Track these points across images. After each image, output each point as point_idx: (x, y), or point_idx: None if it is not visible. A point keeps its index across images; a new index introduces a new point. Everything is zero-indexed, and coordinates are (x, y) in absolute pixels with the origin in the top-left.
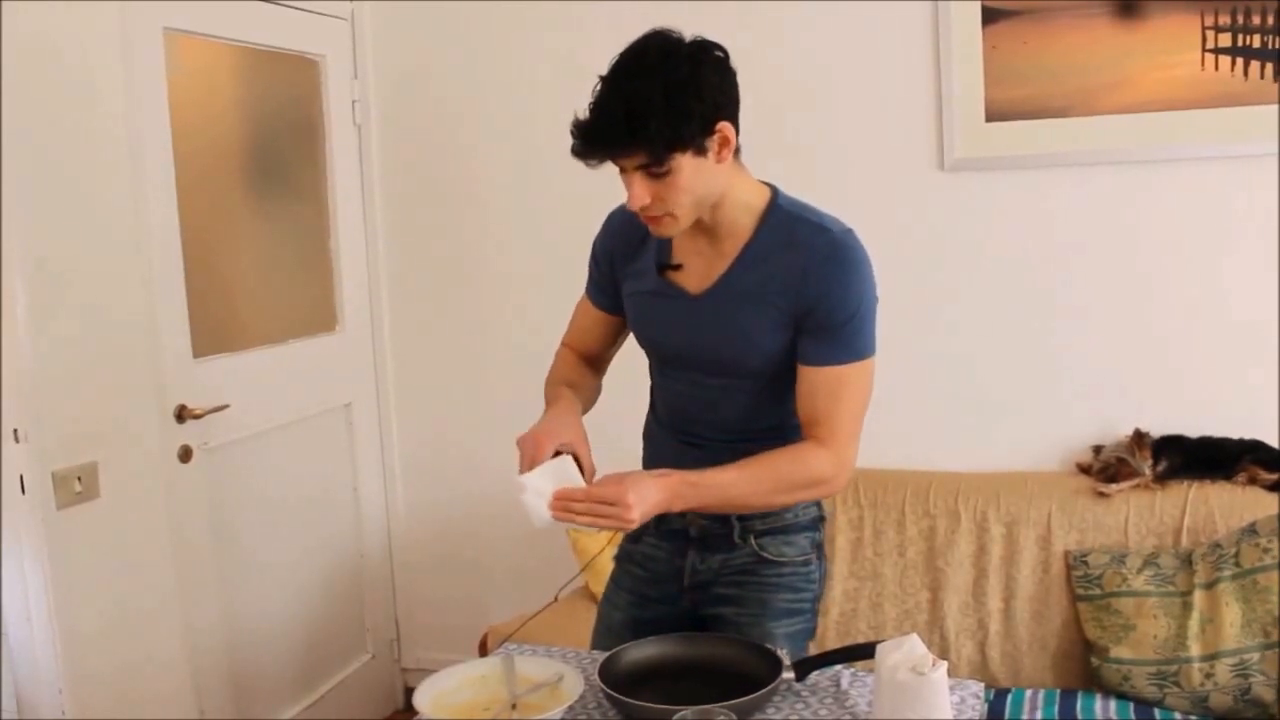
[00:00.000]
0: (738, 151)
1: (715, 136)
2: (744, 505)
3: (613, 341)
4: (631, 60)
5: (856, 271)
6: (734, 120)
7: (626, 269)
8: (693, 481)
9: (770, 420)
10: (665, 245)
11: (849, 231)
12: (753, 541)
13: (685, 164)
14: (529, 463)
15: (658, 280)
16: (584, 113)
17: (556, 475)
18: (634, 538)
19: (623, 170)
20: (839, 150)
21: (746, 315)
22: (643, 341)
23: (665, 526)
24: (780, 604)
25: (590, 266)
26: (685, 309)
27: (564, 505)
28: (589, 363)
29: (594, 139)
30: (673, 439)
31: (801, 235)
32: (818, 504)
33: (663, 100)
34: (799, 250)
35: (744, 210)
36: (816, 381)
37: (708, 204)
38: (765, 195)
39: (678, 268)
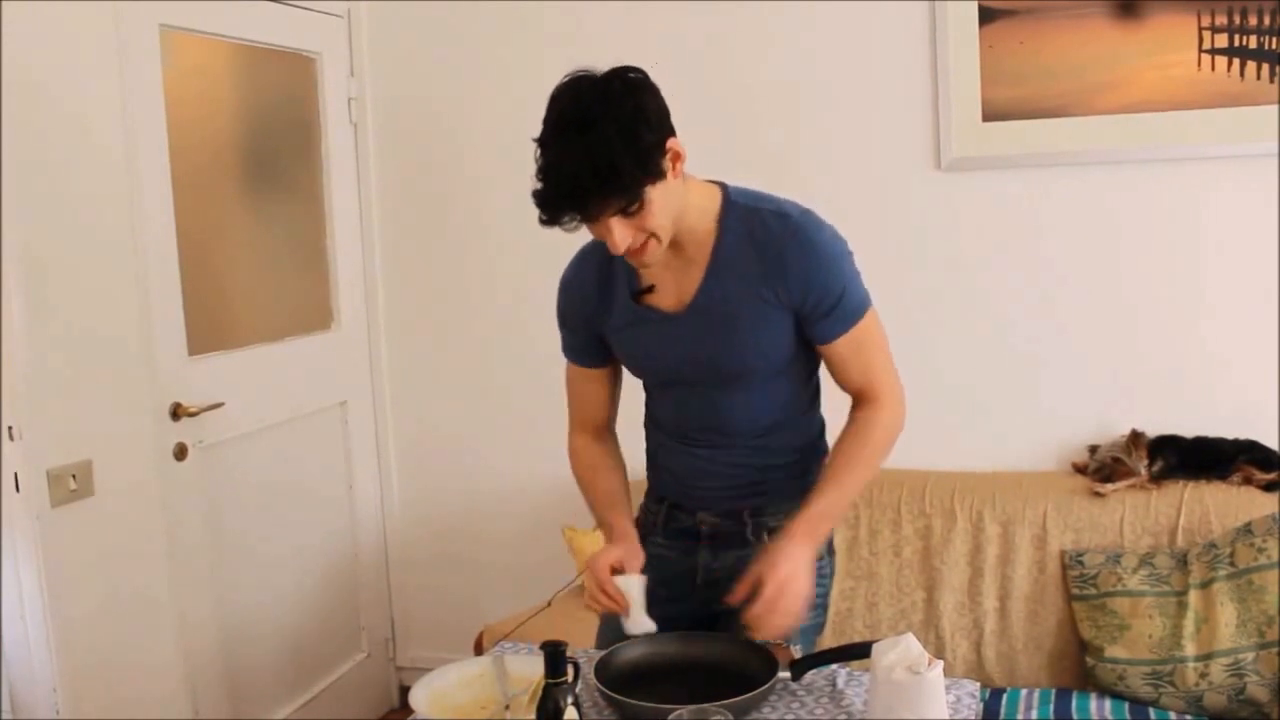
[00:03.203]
0: None
1: (668, 155)
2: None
3: (616, 389)
4: (573, 112)
5: (829, 248)
6: (674, 133)
7: (607, 317)
8: (820, 522)
9: (780, 413)
10: (633, 272)
11: (806, 211)
12: (766, 538)
13: (655, 193)
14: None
15: (635, 309)
16: (539, 181)
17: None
18: (641, 539)
19: (594, 220)
20: (836, 149)
21: (735, 319)
22: (637, 371)
23: (674, 526)
24: None
25: (564, 334)
26: (670, 329)
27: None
28: (603, 433)
29: (566, 202)
30: (683, 445)
31: (765, 224)
32: None
33: (621, 142)
34: (769, 241)
35: (702, 214)
36: (841, 353)
37: (676, 219)
38: (717, 194)
39: (650, 289)
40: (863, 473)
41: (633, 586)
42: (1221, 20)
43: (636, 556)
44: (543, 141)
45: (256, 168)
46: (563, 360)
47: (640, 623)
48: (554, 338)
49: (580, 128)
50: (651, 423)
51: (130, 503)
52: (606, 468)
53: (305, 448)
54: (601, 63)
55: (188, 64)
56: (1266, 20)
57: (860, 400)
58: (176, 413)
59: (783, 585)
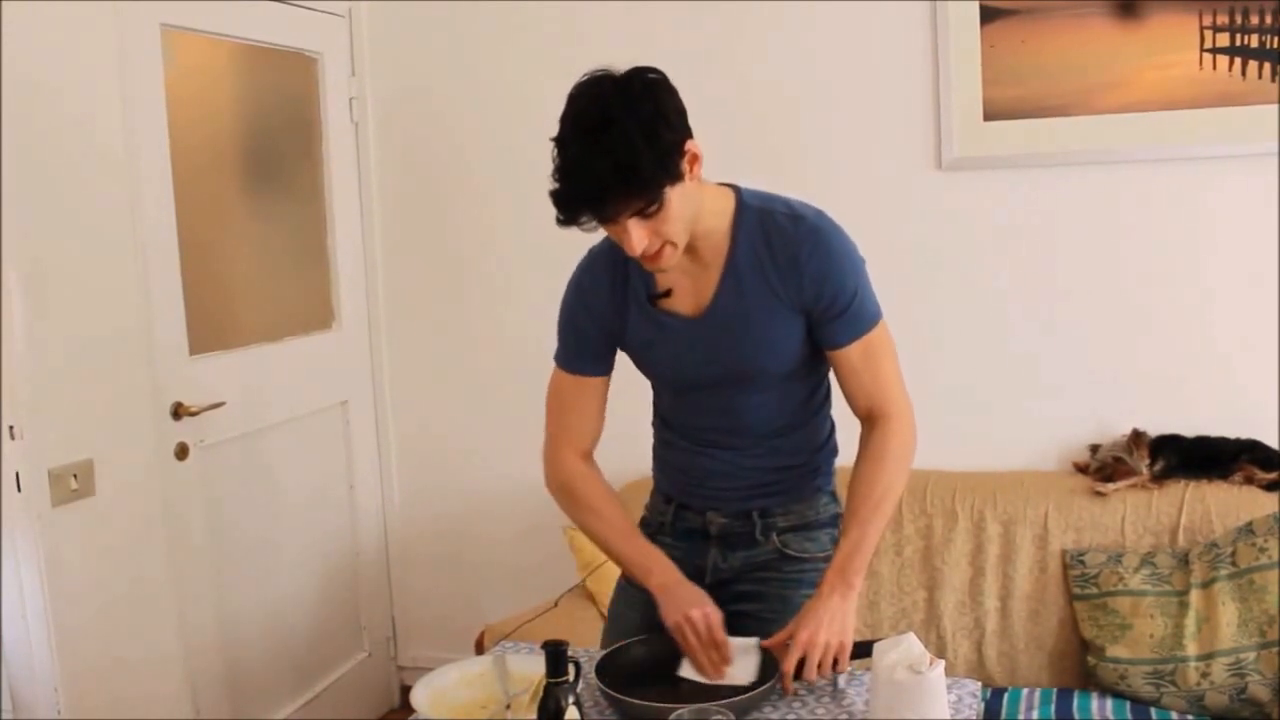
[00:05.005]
0: None
1: (686, 156)
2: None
3: (605, 406)
4: (594, 111)
5: (843, 251)
6: (692, 135)
7: (622, 320)
8: (850, 569)
9: (793, 415)
10: (649, 276)
11: (821, 213)
12: (775, 538)
13: (673, 195)
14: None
15: (652, 313)
16: (556, 181)
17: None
18: (649, 538)
19: (612, 221)
20: (837, 149)
21: (753, 321)
22: (652, 376)
23: (682, 526)
24: (802, 600)
25: (567, 338)
26: (688, 334)
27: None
28: (591, 459)
29: (585, 202)
30: (695, 446)
31: (779, 225)
32: (836, 501)
33: (642, 141)
34: (783, 243)
35: (717, 217)
36: (851, 359)
37: (692, 223)
38: (730, 197)
39: (668, 294)
40: (885, 505)
41: (749, 650)
42: (1223, 19)
43: (715, 605)
44: (561, 141)
45: (257, 168)
46: None
47: (733, 675)
48: (555, 336)
49: (601, 127)
50: (661, 422)
51: (131, 502)
52: (612, 499)
53: (306, 447)
54: (601, 63)
55: (188, 64)
56: (1268, 19)
57: (870, 420)
58: (177, 412)
59: (816, 646)
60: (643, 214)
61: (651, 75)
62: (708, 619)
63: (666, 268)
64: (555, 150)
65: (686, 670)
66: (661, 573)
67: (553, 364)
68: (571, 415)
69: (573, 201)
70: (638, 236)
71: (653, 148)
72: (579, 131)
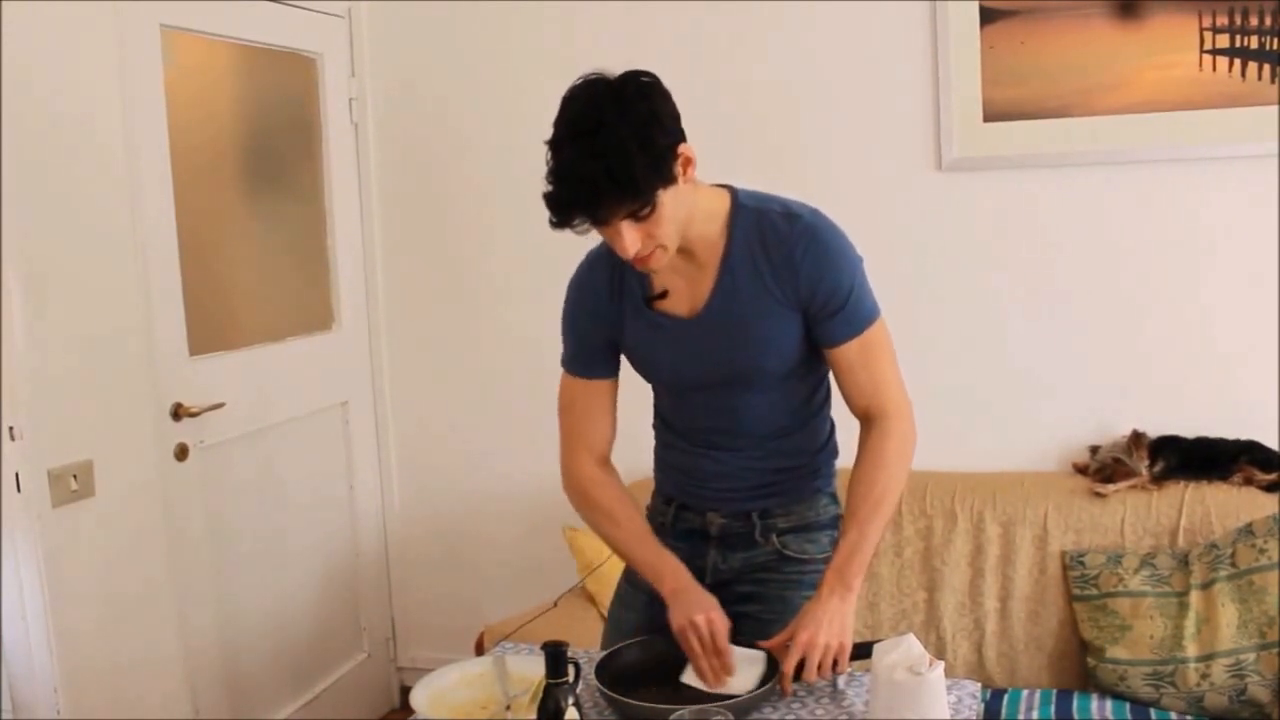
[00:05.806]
0: None
1: (679, 160)
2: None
3: (616, 407)
4: (587, 114)
5: (840, 250)
6: (685, 138)
7: (620, 322)
8: (849, 570)
9: (792, 415)
10: (645, 277)
11: (816, 212)
12: (775, 540)
13: (666, 198)
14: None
15: (649, 315)
16: (550, 183)
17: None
18: None
19: (604, 224)
20: (836, 150)
21: (747, 321)
22: (650, 378)
23: (682, 526)
24: (802, 601)
25: (570, 343)
26: (684, 335)
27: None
28: (608, 462)
29: (578, 205)
30: (695, 447)
31: (775, 226)
32: (836, 502)
33: (637, 146)
34: (779, 243)
35: (711, 218)
36: (849, 357)
37: (685, 225)
38: (725, 197)
39: (664, 295)
40: (884, 505)
41: (754, 661)
42: (1222, 20)
43: (723, 614)
44: (555, 143)
45: (257, 168)
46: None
47: (733, 685)
48: (555, 337)
49: (594, 131)
50: (661, 423)
51: (131, 503)
52: (627, 503)
53: (305, 448)
54: (601, 64)
55: (188, 64)
56: (1267, 20)
57: (868, 419)
58: (177, 413)
59: (816, 647)
60: (635, 217)
61: (645, 79)
62: (712, 625)
63: (657, 269)
64: (549, 153)
65: (689, 676)
66: (673, 577)
67: (558, 368)
68: (583, 420)
69: (565, 204)
70: (630, 239)
71: (646, 152)
72: (572, 135)
